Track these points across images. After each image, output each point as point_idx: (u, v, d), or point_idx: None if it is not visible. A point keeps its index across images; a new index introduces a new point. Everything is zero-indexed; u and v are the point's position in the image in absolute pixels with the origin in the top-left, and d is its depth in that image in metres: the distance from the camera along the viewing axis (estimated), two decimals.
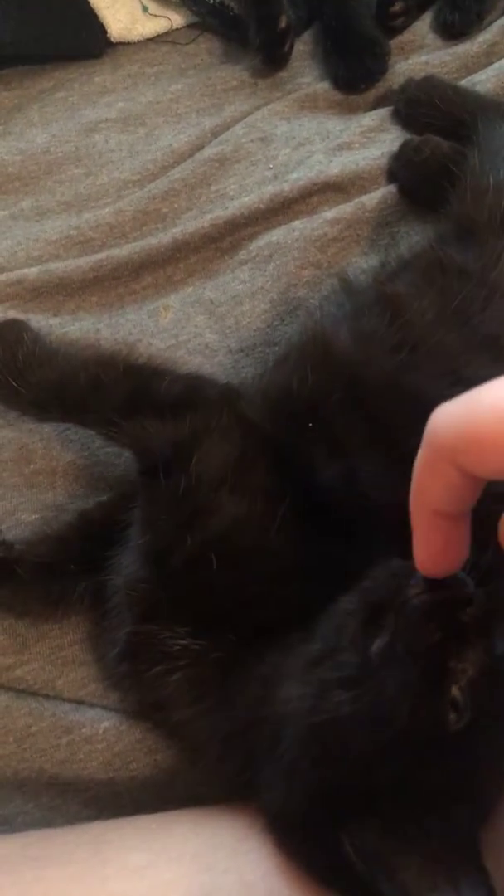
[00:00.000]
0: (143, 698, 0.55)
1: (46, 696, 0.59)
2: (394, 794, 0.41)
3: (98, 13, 0.92)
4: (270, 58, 0.89)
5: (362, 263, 0.75)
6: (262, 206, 0.78)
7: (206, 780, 0.53)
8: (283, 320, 0.73)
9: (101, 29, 0.92)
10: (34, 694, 0.59)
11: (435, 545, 0.39)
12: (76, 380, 0.60)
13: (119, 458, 0.67)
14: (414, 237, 0.76)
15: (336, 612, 0.46)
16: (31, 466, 0.68)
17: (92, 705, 0.59)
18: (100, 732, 0.57)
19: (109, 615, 0.56)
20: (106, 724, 0.57)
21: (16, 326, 0.67)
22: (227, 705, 0.49)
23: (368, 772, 0.41)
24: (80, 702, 0.59)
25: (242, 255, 0.77)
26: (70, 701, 0.59)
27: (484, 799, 0.44)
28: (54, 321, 0.73)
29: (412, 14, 0.91)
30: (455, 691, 0.41)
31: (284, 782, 0.44)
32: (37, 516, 0.66)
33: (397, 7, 0.89)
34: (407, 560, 0.44)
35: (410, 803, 0.41)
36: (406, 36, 0.90)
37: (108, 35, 0.93)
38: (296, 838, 0.45)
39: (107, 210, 0.81)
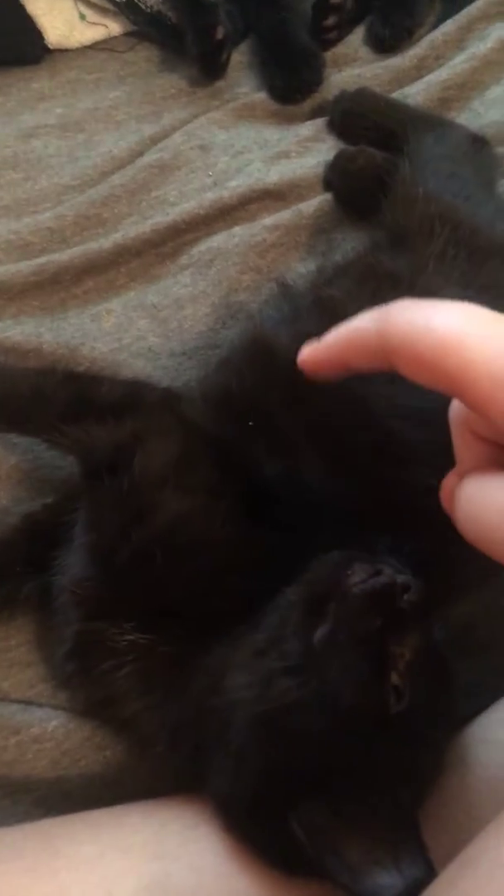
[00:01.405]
0: (93, 695, 0.55)
1: None
2: (339, 776, 0.43)
3: (35, 20, 0.92)
4: (207, 68, 0.90)
5: (300, 268, 0.77)
6: (202, 212, 0.80)
7: (156, 775, 0.54)
8: (224, 324, 0.75)
9: (39, 35, 0.93)
10: None
11: (328, 363, 0.38)
12: (17, 391, 0.61)
13: (63, 461, 0.67)
14: (349, 244, 0.78)
15: (280, 603, 0.48)
16: None
17: (40, 705, 0.59)
18: (48, 731, 0.57)
19: (56, 615, 0.57)
20: (54, 722, 0.57)
21: None
22: (175, 696, 0.50)
23: (314, 755, 0.43)
24: (28, 702, 0.59)
25: (184, 259, 0.79)
26: (18, 702, 0.59)
27: (423, 778, 0.46)
28: None
29: (344, 28, 0.93)
30: (395, 675, 0.43)
31: (233, 767, 0.45)
32: None
33: (330, 20, 0.91)
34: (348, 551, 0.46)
35: (355, 784, 0.43)
36: (340, 49, 0.93)
37: (45, 42, 0.93)
38: (244, 821, 0.46)
39: (47, 215, 0.81)
